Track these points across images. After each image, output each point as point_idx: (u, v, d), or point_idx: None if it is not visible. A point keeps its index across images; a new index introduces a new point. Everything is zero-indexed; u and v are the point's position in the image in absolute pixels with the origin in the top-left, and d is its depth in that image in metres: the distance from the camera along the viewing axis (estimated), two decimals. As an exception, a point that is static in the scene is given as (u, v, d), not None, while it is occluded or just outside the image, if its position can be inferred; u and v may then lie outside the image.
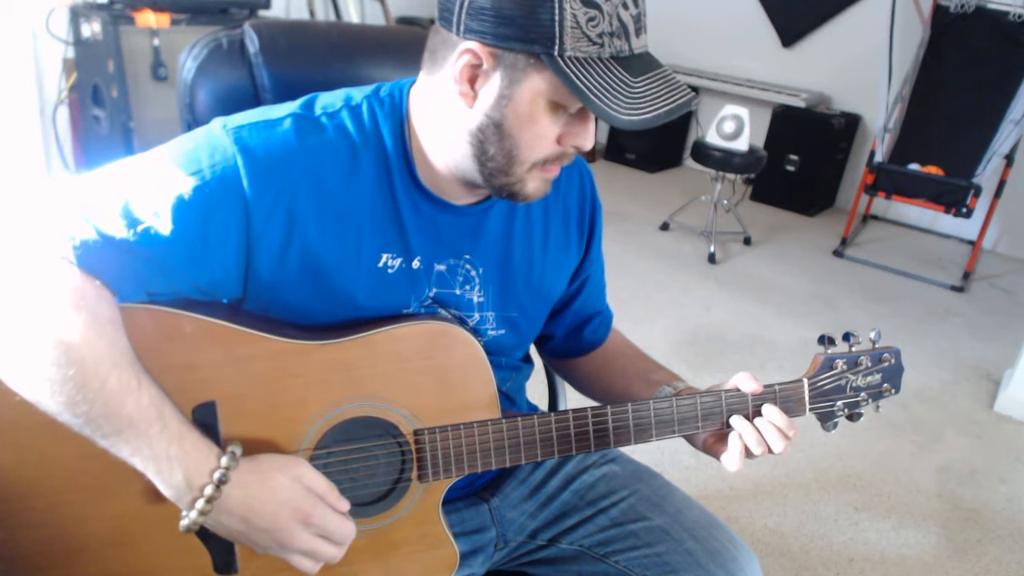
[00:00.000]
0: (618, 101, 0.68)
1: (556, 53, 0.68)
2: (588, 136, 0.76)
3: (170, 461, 0.67)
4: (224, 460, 0.69)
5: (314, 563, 0.75)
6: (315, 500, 0.73)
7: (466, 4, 0.69)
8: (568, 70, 0.68)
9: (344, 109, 0.80)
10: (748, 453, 0.86)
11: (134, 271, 0.71)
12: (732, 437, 0.87)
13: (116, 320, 0.69)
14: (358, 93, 0.82)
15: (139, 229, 0.70)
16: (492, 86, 0.72)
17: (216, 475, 0.68)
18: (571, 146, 0.77)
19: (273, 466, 0.73)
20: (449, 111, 0.76)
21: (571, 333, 1.05)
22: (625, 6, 0.69)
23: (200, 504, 0.68)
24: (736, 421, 0.87)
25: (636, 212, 4.08)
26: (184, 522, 0.69)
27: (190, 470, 0.68)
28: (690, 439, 0.93)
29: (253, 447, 0.75)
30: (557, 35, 0.67)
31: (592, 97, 0.68)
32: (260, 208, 0.74)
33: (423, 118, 0.80)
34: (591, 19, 0.67)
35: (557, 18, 0.66)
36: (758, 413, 0.88)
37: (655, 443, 0.91)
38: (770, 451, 0.86)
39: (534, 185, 0.79)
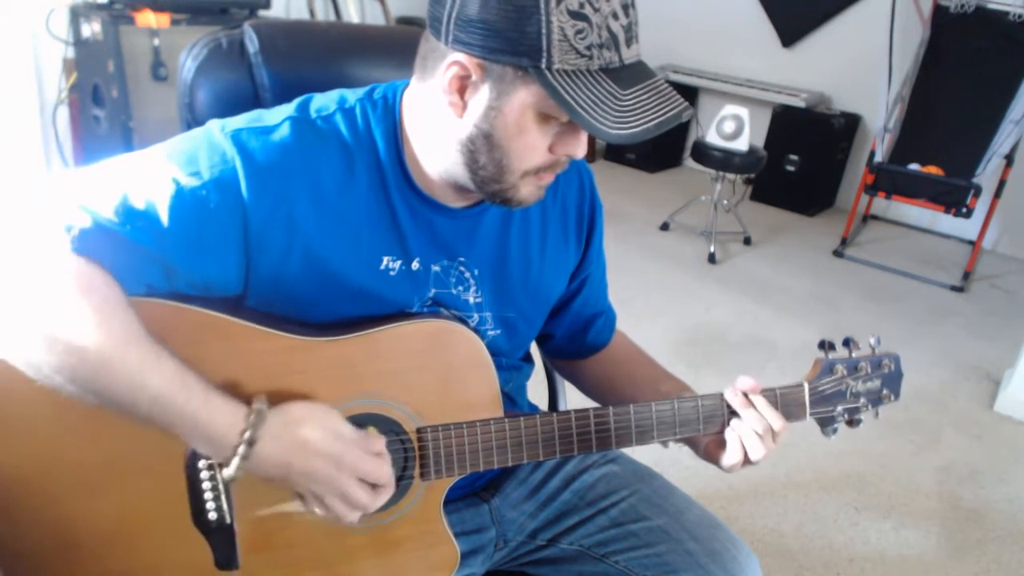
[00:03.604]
0: (606, 114, 0.68)
1: (544, 66, 0.67)
2: (580, 145, 0.76)
3: (197, 427, 0.69)
4: (252, 419, 0.70)
5: (349, 508, 0.75)
6: (347, 446, 0.74)
7: (454, 15, 0.69)
8: (556, 83, 0.67)
9: (338, 112, 0.80)
10: (747, 457, 0.87)
11: (131, 264, 0.71)
12: (730, 436, 0.87)
13: (122, 298, 0.69)
14: (352, 95, 0.82)
15: (136, 225, 0.70)
16: (481, 97, 0.72)
17: (246, 435, 0.70)
18: (563, 155, 0.76)
19: (302, 417, 0.74)
20: (440, 119, 0.76)
21: (575, 334, 1.05)
22: (615, 16, 0.68)
23: (236, 462, 0.70)
24: (735, 421, 0.88)
25: (636, 212, 4.08)
26: (225, 475, 0.71)
27: (220, 433, 0.70)
28: (692, 447, 0.93)
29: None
30: (544, 48, 0.66)
31: (579, 110, 0.67)
32: (258, 212, 0.74)
33: (415, 124, 0.80)
34: (579, 31, 0.67)
35: (544, 31, 0.66)
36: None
37: (655, 443, 0.91)
38: (772, 432, 0.87)
39: (527, 191, 0.78)
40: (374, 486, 0.76)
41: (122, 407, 0.68)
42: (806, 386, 0.91)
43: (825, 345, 0.92)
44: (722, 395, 0.89)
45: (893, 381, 0.95)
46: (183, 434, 0.70)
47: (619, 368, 1.06)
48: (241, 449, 0.70)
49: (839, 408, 0.93)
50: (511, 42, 0.67)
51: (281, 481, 0.74)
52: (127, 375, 0.66)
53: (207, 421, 0.69)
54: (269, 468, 0.72)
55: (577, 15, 0.66)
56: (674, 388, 0.98)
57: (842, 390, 0.93)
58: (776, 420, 0.87)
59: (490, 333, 0.91)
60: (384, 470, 0.76)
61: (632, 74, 0.71)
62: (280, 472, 0.73)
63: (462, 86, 0.72)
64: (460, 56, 0.70)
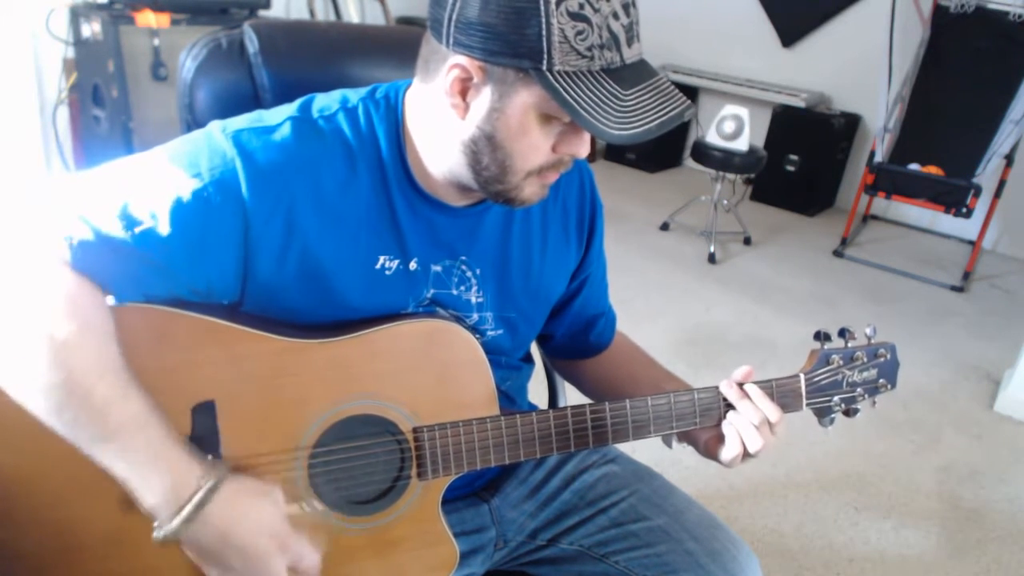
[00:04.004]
0: (608, 115, 0.68)
1: (545, 68, 0.67)
2: (583, 145, 0.76)
3: (144, 475, 0.67)
4: (208, 482, 0.68)
5: None
6: (291, 532, 0.73)
7: (455, 17, 0.69)
8: (557, 85, 0.67)
9: (340, 112, 0.80)
10: (746, 450, 0.87)
11: (132, 273, 0.71)
12: (727, 430, 0.88)
13: (108, 328, 0.69)
14: (354, 95, 0.82)
15: (137, 231, 0.70)
16: (483, 100, 0.72)
17: (197, 497, 0.67)
18: (567, 155, 0.76)
19: (254, 491, 0.72)
20: (442, 121, 0.76)
21: (576, 334, 1.05)
22: (616, 16, 0.68)
23: (177, 523, 0.67)
24: (732, 414, 0.88)
25: (636, 212, 4.08)
26: (158, 534, 0.67)
27: (167, 488, 0.67)
28: (693, 444, 0.93)
29: (253, 446, 0.75)
30: (545, 50, 0.66)
31: (581, 112, 0.67)
32: (259, 213, 0.74)
33: (418, 124, 0.80)
34: (579, 33, 0.66)
35: (544, 33, 0.66)
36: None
37: (655, 443, 0.91)
38: (769, 423, 0.87)
39: (530, 190, 0.78)
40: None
41: (81, 442, 0.66)
42: (802, 377, 0.92)
43: (821, 336, 0.92)
44: (718, 388, 0.89)
45: (890, 370, 0.95)
46: (127, 479, 0.67)
47: (620, 369, 1.06)
48: (186, 511, 0.67)
49: (836, 398, 0.93)
50: (512, 44, 0.67)
51: (207, 555, 0.70)
52: (90, 405, 0.65)
53: (157, 472, 0.67)
54: (208, 534, 0.68)
55: (577, 16, 0.66)
56: (676, 389, 0.97)
57: (838, 380, 0.93)
58: (772, 411, 0.87)
59: (490, 333, 0.91)
60: (315, 559, 0.74)
61: (634, 74, 0.71)
62: (216, 542, 0.69)
63: (464, 88, 0.72)
64: (461, 59, 0.70)
